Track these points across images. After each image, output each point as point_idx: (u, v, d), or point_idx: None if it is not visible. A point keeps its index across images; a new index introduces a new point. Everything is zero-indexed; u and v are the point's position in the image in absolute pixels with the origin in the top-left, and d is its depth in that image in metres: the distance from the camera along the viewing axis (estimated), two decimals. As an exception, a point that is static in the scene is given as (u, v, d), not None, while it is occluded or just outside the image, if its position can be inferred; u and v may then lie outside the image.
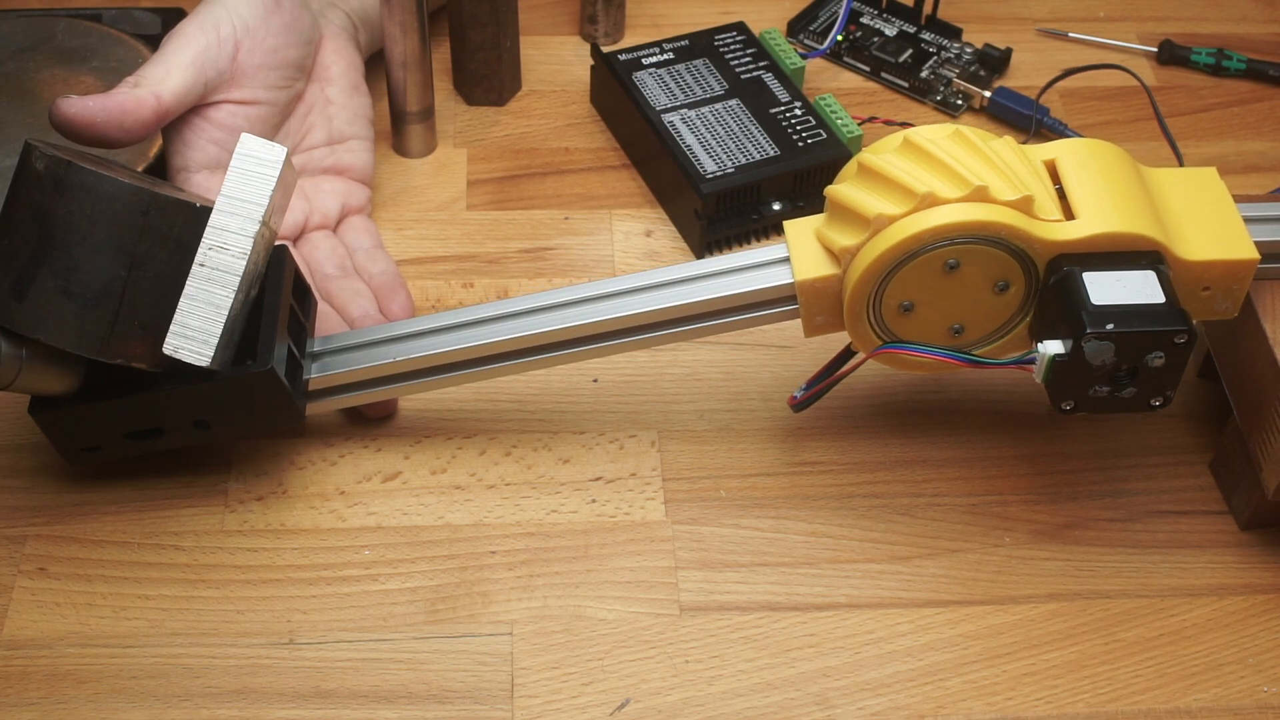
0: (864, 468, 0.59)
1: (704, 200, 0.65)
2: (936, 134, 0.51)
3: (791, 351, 0.63)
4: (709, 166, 0.66)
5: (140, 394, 0.52)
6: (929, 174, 0.50)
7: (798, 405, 0.56)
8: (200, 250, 0.50)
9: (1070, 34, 0.80)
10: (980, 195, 0.49)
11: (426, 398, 0.60)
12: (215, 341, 0.50)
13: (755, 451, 0.59)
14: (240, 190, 0.51)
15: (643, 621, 0.54)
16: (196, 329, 0.50)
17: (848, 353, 0.55)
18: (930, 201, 0.50)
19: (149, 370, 0.51)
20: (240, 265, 0.50)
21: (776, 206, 0.66)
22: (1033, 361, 0.50)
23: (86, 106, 0.55)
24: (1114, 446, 0.60)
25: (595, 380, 0.62)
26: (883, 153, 0.52)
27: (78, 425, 0.53)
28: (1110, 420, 0.61)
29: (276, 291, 0.53)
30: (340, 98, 0.66)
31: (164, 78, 0.57)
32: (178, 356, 0.50)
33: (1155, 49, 0.79)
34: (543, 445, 0.59)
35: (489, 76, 0.73)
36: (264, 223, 0.51)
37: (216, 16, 0.60)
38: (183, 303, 0.50)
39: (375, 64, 0.71)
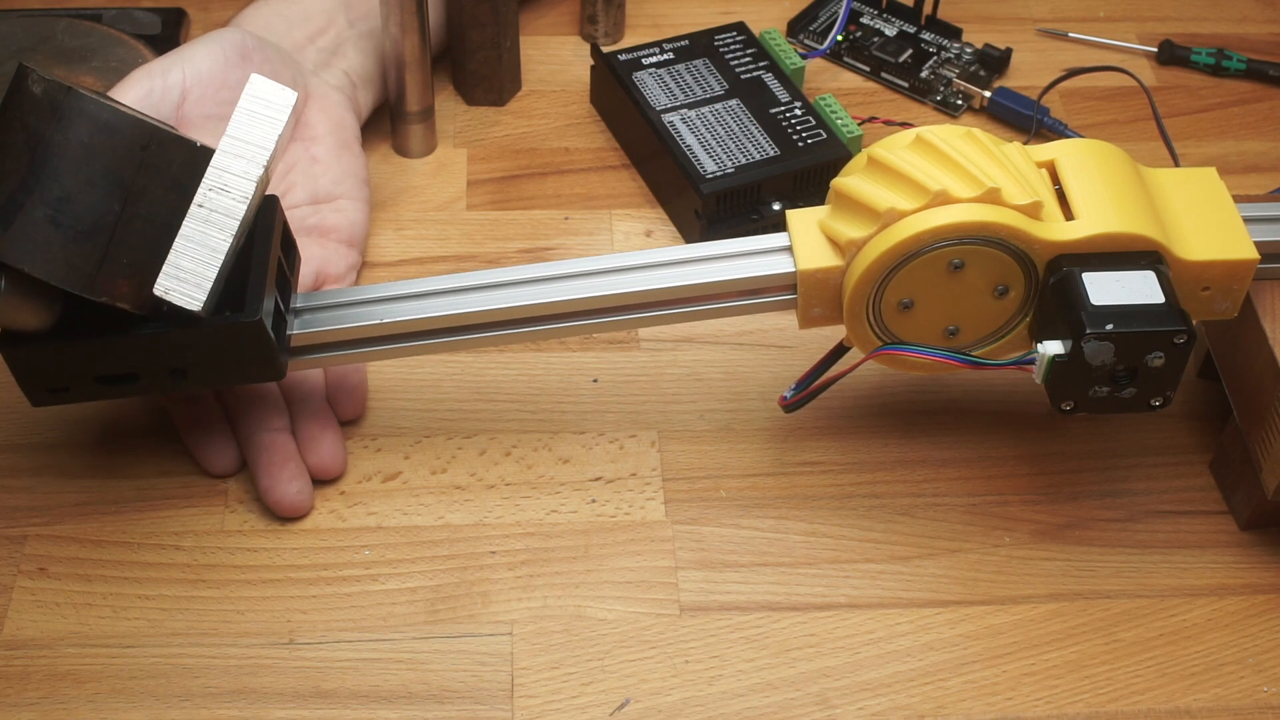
0: (864, 468, 0.59)
1: (704, 200, 0.65)
2: (949, 134, 0.51)
3: (791, 351, 0.63)
4: (709, 166, 0.66)
5: (119, 336, 0.50)
6: (942, 172, 0.50)
7: (789, 406, 0.56)
8: (200, 191, 0.49)
9: (1070, 34, 0.80)
10: (992, 197, 0.49)
11: (427, 398, 0.60)
12: (209, 286, 0.48)
13: (755, 451, 0.59)
14: (246, 132, 0.49)
15: (643, 621, 0.54)
16: (190, 271, 0.48)
17: (839, 351, 0.55)
18: (943, 199, 0.50)
19: (131, 311, 0.49)
20: (241, 209, 0.49)
21: (776, 206, 0.66)
22: (1032, 362, 0.50)
23: None
24: (1114, 446, 0.60)
25: (595, 380, 0.62)
26: (894, 148, 0.52)
27: (49, 364, 0.51)
28: (1110, 420, 0.61)
29: (266, 242, 0.52)
30: (327, 157, 0.64)
31: None
32: (168, 298, 0.48)
33: (1155, 49, 0.79)
34: (543, 445, 0.59)
35: (489, 76, 0.73)
36: (267, 168, 0.50)
37: (168, 64, 0.59)
38: (178, 243, 0.48)
39: (373, 121, 0.71)
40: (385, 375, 0.61)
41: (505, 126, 0.73)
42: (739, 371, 0.62)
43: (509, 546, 0.56)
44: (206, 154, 0.49)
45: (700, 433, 0.60)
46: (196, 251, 0.48)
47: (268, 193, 0.53)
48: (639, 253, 0.54)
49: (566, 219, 0.69)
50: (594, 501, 0.57)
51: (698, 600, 0.54)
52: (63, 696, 0.51)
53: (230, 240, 0.49)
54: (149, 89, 0.58)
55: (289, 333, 0.53)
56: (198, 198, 0.49)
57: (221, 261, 0.48)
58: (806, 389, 0.55)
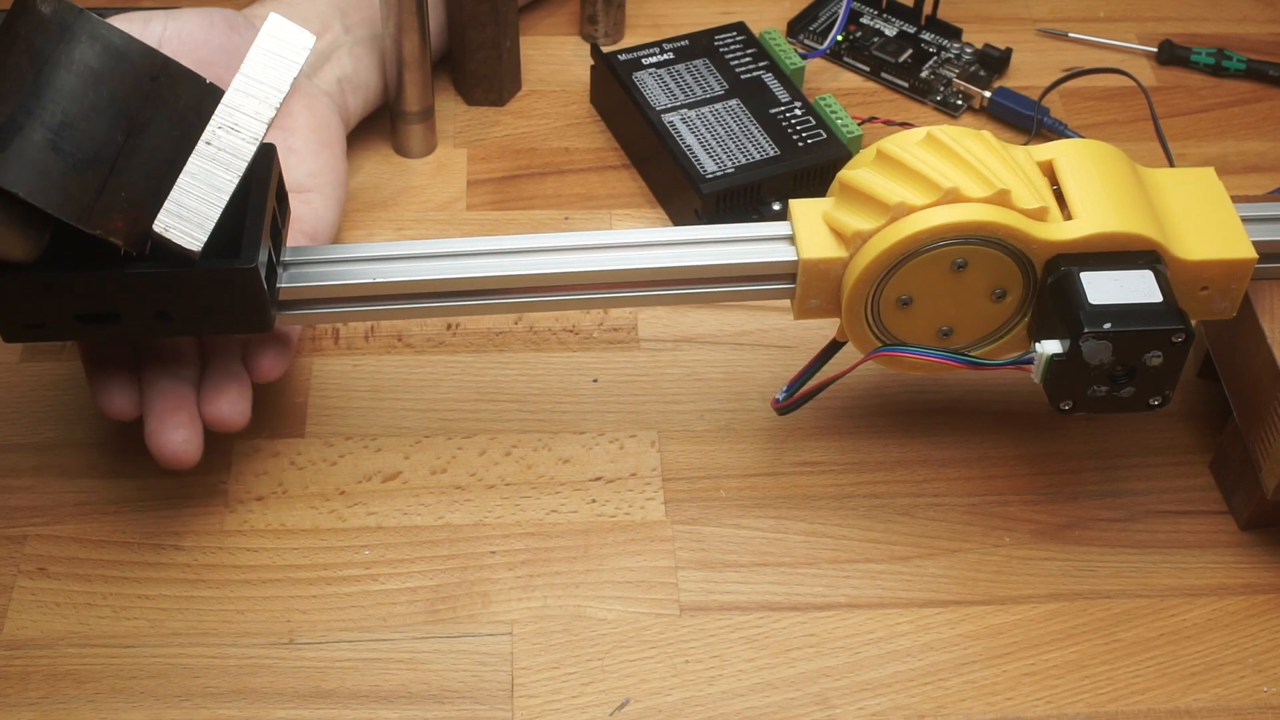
0: (864, 468, 0.59)
1: (704, 200, 0.65)
2: (961, 134, 0.51)
3: (792, 352, 0.63)
4: (709, 166, 0.66)
5: (106, 272, 0.48)
6: (954, 170, 0.50)
7: (782, 409, 0.56)
8: (209, 128, 0.47)
9: (1070, 34, 0.80)
10: (1002, 199, 0.49)
11: (427, 398, 0.60)
12: (210, 226, 0.47)
13: (755, 451, 0.59)
14: (261, 72, 0.48)
15: (643, 621, 0.54)
16: (192, 210, 0.47)
17: (830, 350, 0.55)
18: (954, 197, 0.50)
19: (121, 248, 0.47)
20: (250, 150, 0.47)
21: (776, 206, 0.66)
22: (1031, 362, 0.50)
23: None
24: (1114, 446, 0.60)
25: (595, 380, 0.62)
26: (905, 144, 0.52)
27: (29, 297, 0.49)
28: (1110, 420, 0.61)
29: (263, 190, 0.50)
30: (304, 149, 0.63)
31: None
32: (168, 236, 0.47)
33: (1155, 49, 0.79)
34: (543, 445, 0.59)
35: (489, 76, 0.73)
36: (278, 111, 0.48)
37: (150, 15, 0.58)
38: (182, 180, 0.47)
39: (373, 121, 0.71)
40: (385, 375, 0.61)
41: (505, 126, 0.73)
42: (739, 371, 0.62)
43: (509, 546, 0.56)
44: (215, 92, 0.48)
45: (700, 433, 0.60)
46: (201, 190, 0.47)
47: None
48: (640, 230, 0.54)
49: (566, 219, 0.69)
50: (594, 501, 0.57)
51: (698, 600, 0.54)
52: (63, 696, 0.51)
53: (237, 180, 0.47)
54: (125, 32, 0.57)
55: (279, 285, 0.52)
56: (206, 135, 0.47)
57: (225, 202, 0.47)
58: (798, 391, 0.55)
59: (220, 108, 0.48)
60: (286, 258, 0.53)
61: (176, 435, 0.53)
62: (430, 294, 0.53)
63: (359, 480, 0.58)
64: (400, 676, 0.52)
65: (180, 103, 0.48)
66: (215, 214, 0.47)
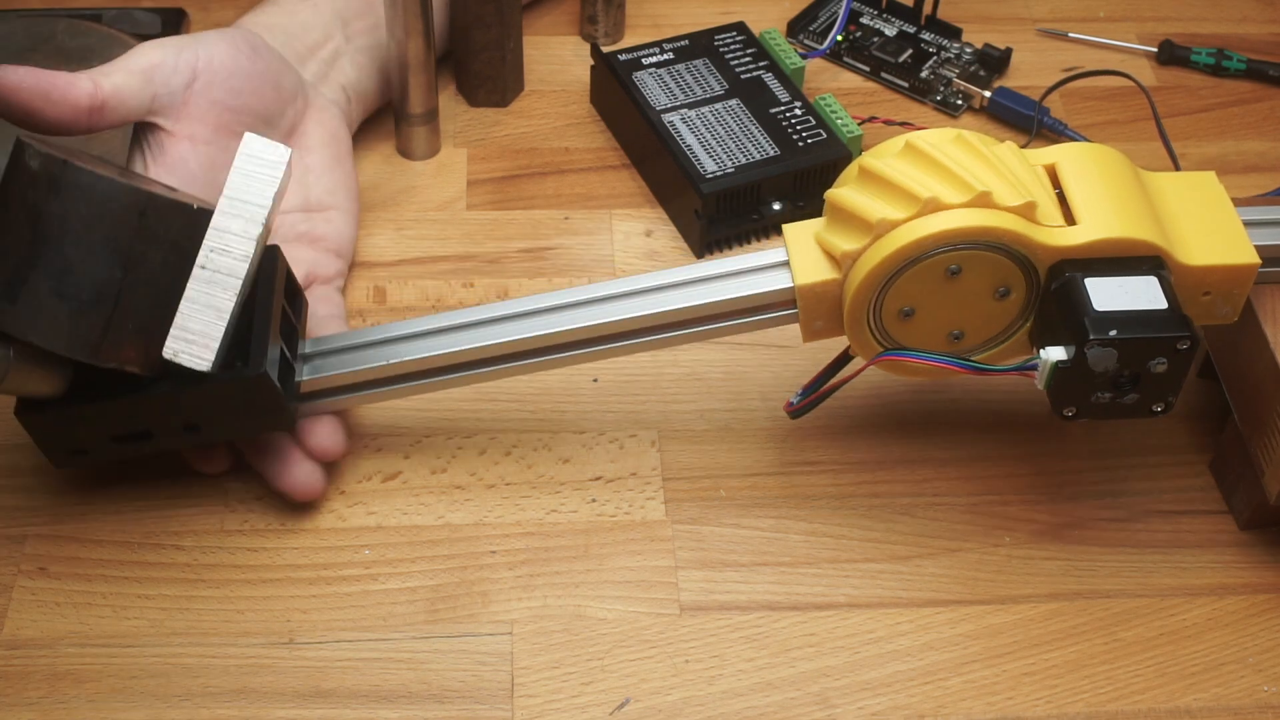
0: (864, 468, 0.59)
1: (704, 200, 0.65)
2: (939, 138, 0.51)
3: (791, 351, 0.63)
4: (709, 166, 0.66)
5: (130, 397, 0.51)
6: (932, 178, 0.50)
7: (795, 412, 0.56)
8: (201, 253, 0.50)
9: (1070, 34, 0.80)
10: (984, 201, 0.49)
11: (427, 398, 0.60)
12: (216, 345, 0.50)
13: (755, 451, 0.59)
14: (243, 192, 0.51)
15: (643, 621, 0.54)
16: (197, 332, 0.50)
17: (845, 357, 0.55)
18: (933, 206, 0.49)
19: (140, 373, 0.51)
20: (243, 269, 0.50)
21: (776, 206, 0.66)
22: (1034, 368, 0.50)
23: (15, 73, 0.53)
24: (1114, 446, 0.60)
25: (595, 380, 0.62)
26: (884, 156, 0.52)
27: (65, 428, 0.53)
28: (1110, 420, 0.61)
29: (269, 292, 0.53)
30: (320, 166, 0.64)
31: (109, 74, 0.56)
32: (177, 360, 0.49)
33: (1155, 49, 0.79)
34: (543, 445, 0.59)
35: (493, 78, 0.73)
36: (265, 225, 0.51)
37: (182, 43, 0.59)
38: (183, 306, 0.50)
39: (376, 122, 0.72)
40: (385, 375, 0.61)
41: (505, 126, 0.73)
42: (739, 371, 0.62)
43: (509, 546, 0.56)
44: (204, 215, 0.50)
45: (700, 433, 0.60)
46: (202, 313, 0.50)
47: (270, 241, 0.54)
48: (640, 277, 0.54)
49: (566, 219, 0.69)
50: (594, 501, 0.57)
51: (698, 600, 0.54)
52: (63, 696, 0.51)
53: (234, 299, 0.50)
54: (160, 60, 0.58)
55: (298, 380, 0.54)
56: (199, 259, 0.50)
57: (227, 321, 0.50)
58: (812, 394, 0.55)
59: (209, 231, 0.50)
60: (306, 350, 0.55)
61: (304, 470, 0.55)
62: (445, 368, 0.54)
63: (359, 480, 0.58)
64: (400, 676, 0.52)
65: (172, 232, 0.50)
66: (219, 333, 0.50)
